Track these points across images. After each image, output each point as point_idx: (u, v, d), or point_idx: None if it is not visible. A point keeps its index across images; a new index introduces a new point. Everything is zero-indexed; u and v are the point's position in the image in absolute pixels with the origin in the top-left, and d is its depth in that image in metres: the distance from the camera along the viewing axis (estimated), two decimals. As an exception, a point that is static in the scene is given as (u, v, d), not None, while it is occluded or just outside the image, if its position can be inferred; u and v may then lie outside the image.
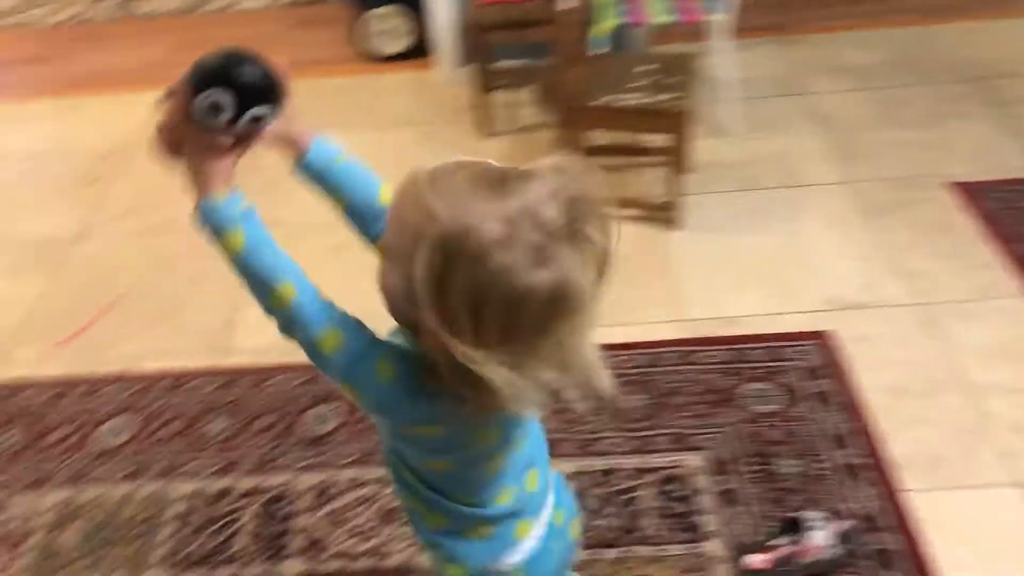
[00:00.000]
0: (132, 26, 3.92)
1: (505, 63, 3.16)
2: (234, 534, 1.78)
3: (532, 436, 1.12)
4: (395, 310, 0.92)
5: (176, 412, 2.06)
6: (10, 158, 3.08)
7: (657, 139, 2.66)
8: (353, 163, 1.07)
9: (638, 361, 2.08)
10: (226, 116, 0.90)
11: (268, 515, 1.81)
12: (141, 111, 3.20)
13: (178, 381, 2.14)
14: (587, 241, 0.85)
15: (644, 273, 2.36)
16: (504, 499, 1.08)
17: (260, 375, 2.14)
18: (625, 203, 2.55)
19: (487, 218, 0.82)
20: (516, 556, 1.12)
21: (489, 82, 2.92)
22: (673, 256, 2.40)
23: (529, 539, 1.13)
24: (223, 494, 1.86)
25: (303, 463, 1.92)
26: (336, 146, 1.06)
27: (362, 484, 1.85)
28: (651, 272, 2.36)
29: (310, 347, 0.93)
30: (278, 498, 1.84)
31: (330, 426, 1.98)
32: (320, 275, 0.98)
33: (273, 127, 0.96)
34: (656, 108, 2.32)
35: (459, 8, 3.11)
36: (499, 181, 0.84)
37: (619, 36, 3.09)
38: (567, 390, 0.92)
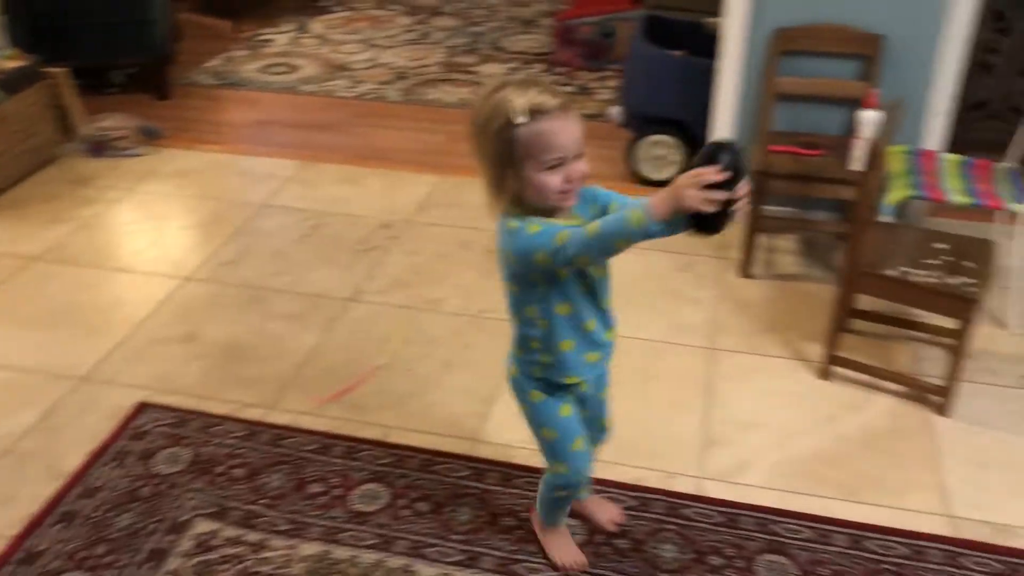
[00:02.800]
0: (418, 111, 4.23)
1: (773, 209, 3.18)
2: (471, 630, 1.80)
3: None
4: None
5: (425, 492, 2.14)
6: (298, 214, 3.36)
7: (933, 317, 2.58)
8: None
9: (897, 550, 1.98)
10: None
11: (505, 619, 1.83)
12: (417, 190, 3.50)
13: (430, 461, 2.23)
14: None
15: (907, 456, 2.26)
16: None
17: (509, 471, 2.19)
18: (891, 376, 2.47)
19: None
20: None
21: (757, 225, 2.93)
22: (940, 444, 2.29)
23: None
24: (466, 586, 1.90)
25: (545, 574, 1.93)
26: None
27: (601, 610, 1.84)
28: (914, 456, 2.26)
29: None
30: (518, 604, 1.86)
31: (578, 540, 1.99)
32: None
33: None
34: (949, 291, 2.25)
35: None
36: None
37: (904, 205, 3.05)
38: None
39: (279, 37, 5.08)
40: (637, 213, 1.39)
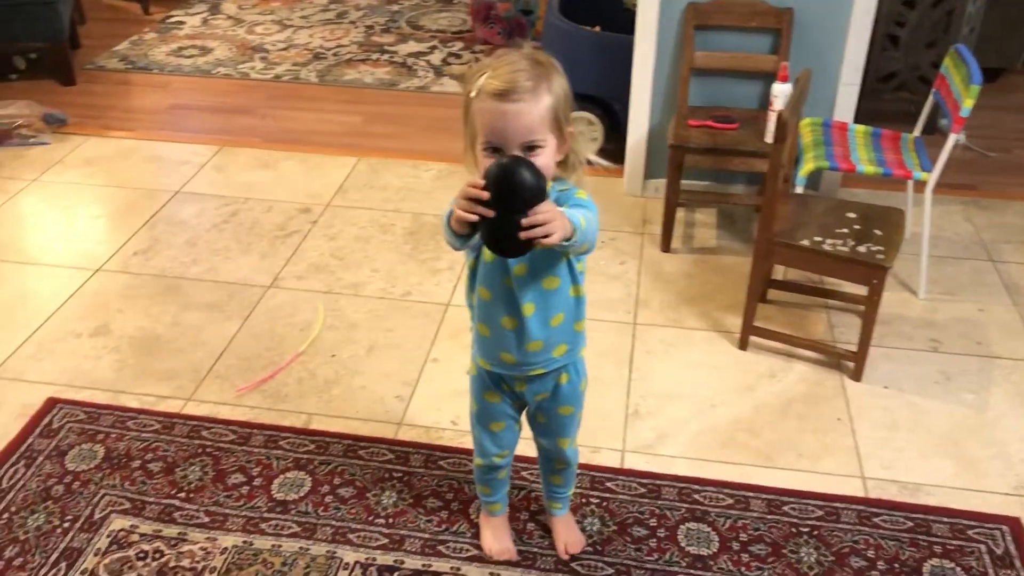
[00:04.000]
0: (335, 92, 4.16)
1: (690, 182, 3.21)
2: (397, 613, 1.79)
3: None
4: None
5: (348, 478, 2.12)
6: (214, 201, 3.28)
7: (847, 286, 2.65)
8: None
9: (812, 512, 2.03)
10: None
11: (431, 600, 1.82)
12: (336, 173, 3.44)
13: (353, 446, 2.20)
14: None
15: (820, 419, 2.32)
16: None
17: (433, 453, 2.18)
18: (805, 344, 2.52)
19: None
20: None
21: (676, 199, 2.96)
22: (852, 407, 2.36)
23: None
24: (391, 570, 1.89)
25: (469, 553, 1.93)
26: None
27: (526, 587, 1.86)
28: (827, 420, 2.32)
29: None
30: (444, 585, 1.86)
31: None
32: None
33: None
34: (858, 258, 2.31)
35: (655, 124, 3.20)
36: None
37: (816, 176, 3.12)
38: None
39: (191, 19, 4.94)
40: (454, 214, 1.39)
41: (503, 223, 1.33)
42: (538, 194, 1.33)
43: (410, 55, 4.51)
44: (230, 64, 4.39)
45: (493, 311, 1.57)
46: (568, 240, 1.39)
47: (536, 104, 1.39)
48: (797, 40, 2.97)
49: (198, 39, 4.68)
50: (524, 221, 1.32)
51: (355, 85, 4.21)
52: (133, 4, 5.06)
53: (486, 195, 1.32)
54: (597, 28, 3.52)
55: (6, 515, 2.00)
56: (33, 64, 4.29)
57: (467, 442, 2.21)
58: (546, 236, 1.33)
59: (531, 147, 1.41)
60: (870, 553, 1.93)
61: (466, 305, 1.66)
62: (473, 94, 1.41)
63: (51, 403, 2.32)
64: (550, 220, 1.33)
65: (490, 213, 1.32)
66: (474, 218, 1.34)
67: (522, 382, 1.67)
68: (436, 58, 4.48)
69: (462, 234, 1.41)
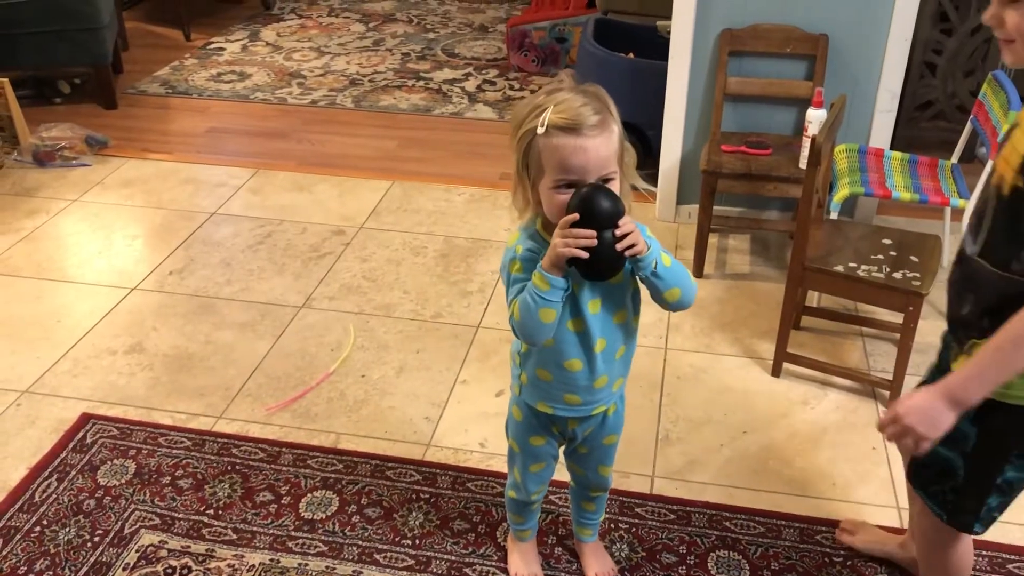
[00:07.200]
0: (370, 117, 4.21)
1: (723, 208, 3.20)
2: (422, 635, 1.78)
3: None
4: None
5: (375, 498, 2.11)
6: (249, 222, 3.32)
7: (882, 313, 2.61)
8: None
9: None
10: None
11: (457, 623, 1.81)
12: (370, 196, 3.47)
13: (381, 467, 2.20)
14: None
15: (854, 448, 2.28)
16: None
17: (461, 475, 2.17)
18: (839, 371, 2.49)
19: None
20: None
21: (709, 224, 2.95)
22: (888, 437, 2.31)
23: None
24: (416, 591, 1.88)
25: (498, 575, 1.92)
26: None
27: (553, 612, 1.83)
28: (862, 449, 2.28)
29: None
30: (469, 608, 1.84)
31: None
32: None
33: None
34: (893, 284, 2.28)
35: (688, 150, 3.20)
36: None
37: (854, 203, 3.09)
38: None
39: (230, 45, 5.03)
40: (537, 275, 1.40)
41: (601, 244, 1.36)
42: (621, 210, 1.38)
43: (445, 82, 4.56)
44: (268, 89, 4.46)
45: (556, 355, 1.53)
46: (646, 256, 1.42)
47: (610, 136, 1.39)
48: (832, 67, 2.95)
49: (237, 65, 4.77)
50: (617, 233, 1.36)
51: (390, 110, 4.25)
52: (175, 31, 5.17)
53: (576, 217, 1.36)
54: (631, 55, 3.53)
55: (38, 528, 2.02)
56: (77, 88, 4.39)
57: (495, 464, 2.20)
58: (635, 246, 1.38)
59: (606, 180, 1.40)
60: (906, 585, 1.89)
61: (514, 353, 1.64)
62: (541, 131, 1.36)
63: (85, 419, 2.35)
64: (634, 230, 1.38)
65: (593, 242, 1.35)
66: (581, 253, 1.35)
67: (576, 420, 1.65)
68: (471, 85, 4.52)
69: (560, 278, 1.40)
